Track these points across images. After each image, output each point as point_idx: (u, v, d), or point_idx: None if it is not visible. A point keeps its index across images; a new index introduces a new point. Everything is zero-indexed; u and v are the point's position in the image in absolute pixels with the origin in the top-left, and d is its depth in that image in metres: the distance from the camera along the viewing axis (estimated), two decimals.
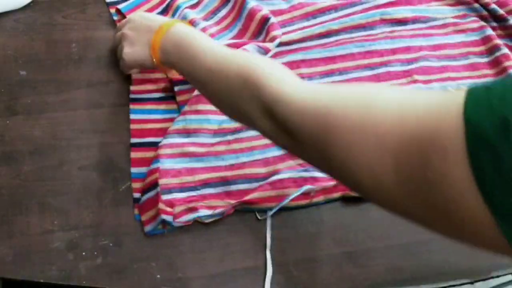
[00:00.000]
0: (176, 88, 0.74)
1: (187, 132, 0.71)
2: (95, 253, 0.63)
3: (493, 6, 0.88)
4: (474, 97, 0.36)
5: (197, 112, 0.72)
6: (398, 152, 0.40)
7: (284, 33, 0.81)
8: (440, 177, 0.36)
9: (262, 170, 0.70)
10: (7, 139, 0.69)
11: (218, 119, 0.72)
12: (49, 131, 0.70)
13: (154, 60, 0.67)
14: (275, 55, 0.80)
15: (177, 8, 0.81)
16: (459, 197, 0.36)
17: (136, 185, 0.68)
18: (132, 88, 0.74)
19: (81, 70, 0.76)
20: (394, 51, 0.82)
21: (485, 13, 0.88)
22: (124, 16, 0.81)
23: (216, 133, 0.72)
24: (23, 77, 0.74)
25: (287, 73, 0.56)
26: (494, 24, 0.87)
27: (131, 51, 0.69)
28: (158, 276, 0.62)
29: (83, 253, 0.62)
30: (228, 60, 0.59)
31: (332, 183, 0.69)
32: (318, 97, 0.48)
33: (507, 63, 0.82)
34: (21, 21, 0.79)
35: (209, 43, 0.64)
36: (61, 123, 0.71)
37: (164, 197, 0.65)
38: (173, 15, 0.81)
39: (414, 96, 0.43)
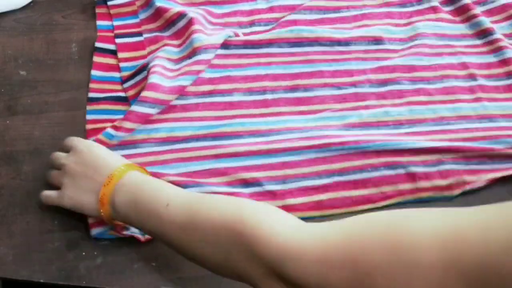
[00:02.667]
0: (125, 85, 0.74)
1: (133, 143, 0.70)
2: (95, 253, 0.62)
3: (480, 18, 0.86)
4: None
5: (131, 130, 0.70)
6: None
7: (253, 33, 0.82)
8: None
9: (213, 180, 0.68)
10: (7, 139, 0.69)
11: (167, 127, 0.71)
12: (49, 131, 0.70)
13: (103, 214, 0.58)
14: (240, 56, 0.79)
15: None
16: None
17: None
18: (91, 85, 0.74)
19: (81, 70, 0.76)
20: (365, 72, 0.80)
21: (463, 32, 0.86)
22: (107, 8, 0.81)
23: (165, 141, 0.70)
24: (23, 77, 0.74)
25: (285, 216, 0.46)
26: (478, 42, 0.85)
27: (72, 195, 0.59)
28: (158, 276, 0.62)
29: (83, 253, 0.62)
30: (202, 210, 0.49)
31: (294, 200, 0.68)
32: (334, 244, 0.40)
33: (481, 94, 0.79)
34: (21, 21, 0.79)
35: (173, 190, 0.54)
36: (61, 123, 0.71)
37: None
38: (149, 7, 0.81)
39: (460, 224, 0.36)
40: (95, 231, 0.63)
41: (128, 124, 0.69)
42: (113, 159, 0.60)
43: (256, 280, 0.45)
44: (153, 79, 0.72)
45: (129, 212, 0.56)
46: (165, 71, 0.74)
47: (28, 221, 0.64)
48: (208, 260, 0.49)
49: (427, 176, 0.70)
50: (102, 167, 0.59)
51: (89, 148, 0.61)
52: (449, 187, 0.70)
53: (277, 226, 0.44)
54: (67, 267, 0.61)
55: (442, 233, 0.36)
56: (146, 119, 0.71)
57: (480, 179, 0.71)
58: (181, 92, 0.73)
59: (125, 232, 0.63)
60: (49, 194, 0.62)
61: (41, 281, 0.60)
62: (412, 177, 0.70)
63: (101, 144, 0.65)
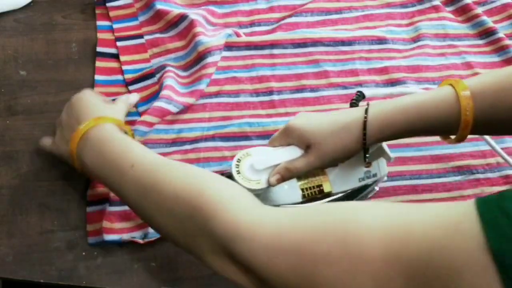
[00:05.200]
0: (130, 88, 0.74)
1: (143, 144, 0.70)
2: (95, 253, 0.62)
3: (482, 18, 0.86)
4: (495, 228, 0.32)
5: (152, 124, 0.70)
6: (404, 273, 0.35)
7: (254, 33, 0.82)
8: None
9: None
10: (7, 139, 0.69)
11: (176, 128, 0.72)
12: (49, 131, 0.70)
13: (76, 166, 0.59)
14: (244, 58, 0.79)
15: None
16: None
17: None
18: (96, 90, 0.73)
19: (81, 70, 0.76)
20: (369, 72, 0.80)
21: (465, 31, 0.86)
22: (106, 9, 0.81)
23: (174, 142, 0.71)
24: (23, 77, 0.74)
25: (245, 199, 0.46)
26: (480, 41, 0.85)
27: (58, 144, 0.61)
28: (158, 276, 0.62)
29: (83, 253, 0.62)
30: (166, 178, 0.48)
31: None
32: (285, 230, 0.41)
33: None
34: (21, 21, 0.79)
35: (141, 151, 0.53)
36: None
37: (113, 209, 0.64)
38: (148, 9, 0.81)
39: (401, 221, 0.37)
40: (92, 239, 0.63)
41: (149, 118, 0.70)
42: (94, 110, 0.59)
43: (203, 254, 0.45)
44: (168, 81, 0.72)
45: (95, 167, 0.55)
46: (178, 78, 0.75)
47: (28, 221, 0.64)
48: (162, 227, 0.49)
49: (431, 189, 0.71)
50: (83, 118, 0.58)
51: (77, 99, 0.62)
52: (452, 199, 0.71)
53: (235, 206, 0.44)
54: (67, 267, 0.61)
55: (390, 228, 0.37)
56: (165, 115, 0.71)
57: (483, 192, 0.71)
58: (201, 95, 0.74)
59: (124, 237, 0.63)
60: (45, 141, 0.65)
61: (41, 281, 0.60)
62: (416, 189, 0.71)
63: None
